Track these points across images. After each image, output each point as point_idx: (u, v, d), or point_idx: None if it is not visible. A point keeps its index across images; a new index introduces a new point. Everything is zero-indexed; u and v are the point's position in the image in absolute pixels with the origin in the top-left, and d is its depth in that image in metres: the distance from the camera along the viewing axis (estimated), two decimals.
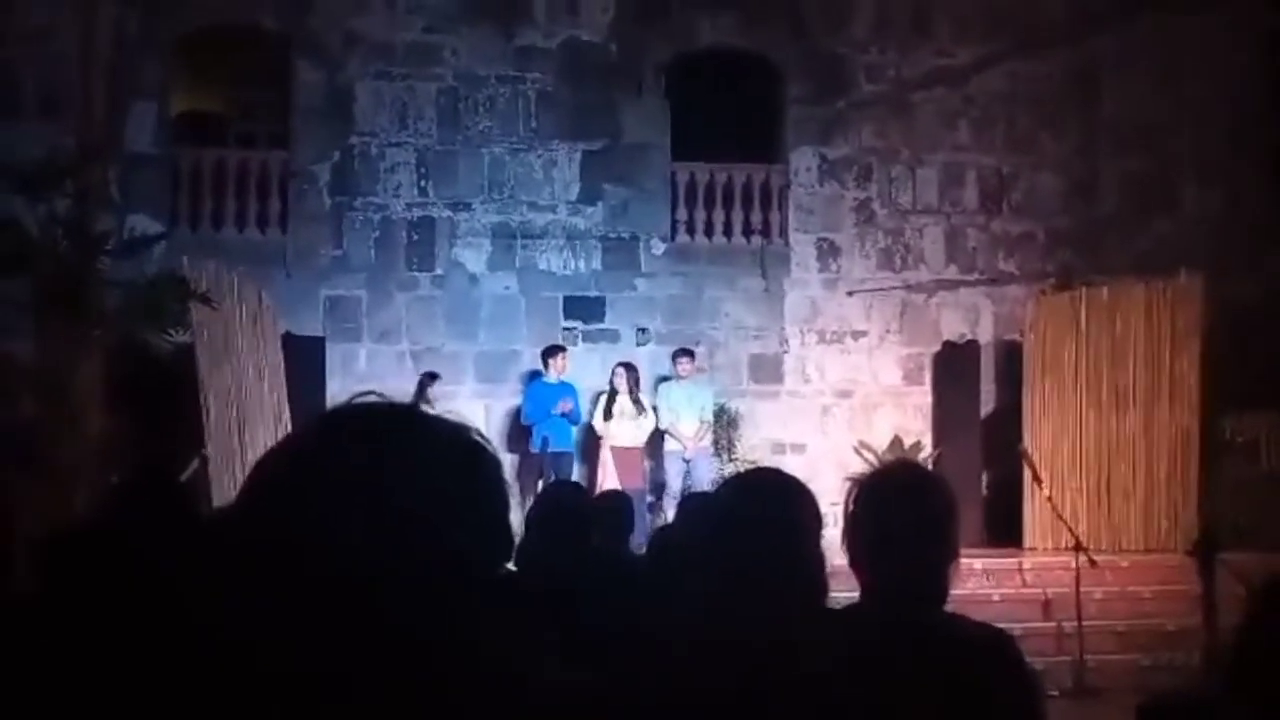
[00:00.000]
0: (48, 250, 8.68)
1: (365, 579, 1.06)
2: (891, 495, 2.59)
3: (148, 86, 12.84)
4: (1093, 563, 9.92)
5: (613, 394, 12.54)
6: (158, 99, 13.01)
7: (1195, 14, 13.15)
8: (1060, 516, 10.86)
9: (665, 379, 13.01)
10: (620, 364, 12.75)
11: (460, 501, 1.11)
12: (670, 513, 11.12)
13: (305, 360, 12.14)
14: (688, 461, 12.36)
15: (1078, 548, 9.85)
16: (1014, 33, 14.07)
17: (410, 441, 1.13)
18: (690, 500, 7.19)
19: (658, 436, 12.62)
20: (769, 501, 2.38)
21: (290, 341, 12.12)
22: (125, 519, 2.92)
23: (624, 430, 12.43)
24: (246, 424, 10.80)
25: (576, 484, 6.15)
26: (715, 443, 12.93)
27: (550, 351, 12.71)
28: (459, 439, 1.16)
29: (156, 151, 12.90)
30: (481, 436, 1.17)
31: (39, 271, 8.69)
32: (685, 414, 12.55)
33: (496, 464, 1.17)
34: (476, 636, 1.11)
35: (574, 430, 12.61)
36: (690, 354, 12.87)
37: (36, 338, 8.93)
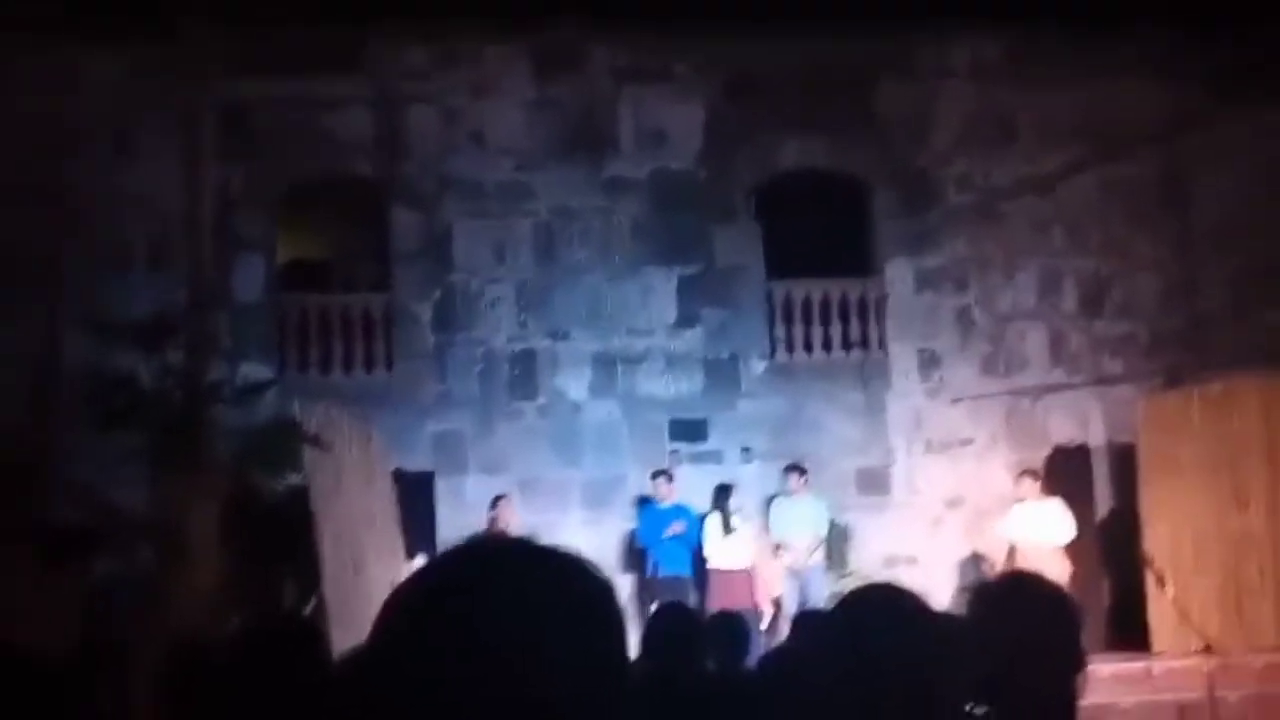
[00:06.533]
0: (162, 401, 8.89)
1: None
2: (1011, 605, 2.54)
3: (255, 238, 13.26)
4: (1225, 665, 9.61)
5: (725, 513, 12.48)
6: (264, 250, 13.42)
7: None
8: (1187, 619, 10.54)
9: (774, 496, 12.94)
10: (722, 485, 12.75)
11: (572, 639, 1.13)
12: (785, 631, 10.97)
13: (415, 495, 12.32)
14: (798, 575, 12.26)
15: (1207, 650, 9.55)
16: (1099, 137, 13.96)
17: (519, 581, 1.15)
18: (805, 618, 7.09)
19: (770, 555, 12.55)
20: (887, 616, 2.36)
21: (400, 477, 12.27)
22: (257, 663, 2.95)
23: (735, 550, 12.34)
24: (361, 562, 10.89)
25: (685, 607, 6.11)
26: (827, 557, 12.80)
27: (654, 475, 12.75)
28: (569, 572, 1.17)
29: (264, 299, 13.27)
30: (591, 566, 1.19)
31: (154, 423, 8.89)
32: (798, 529, 12.49)
33: (607, 596, 1.18)
34: None
35: (688, 553, 12.53)
36: (801, 470, 12.79)
37: (152, 488, 9.09)
